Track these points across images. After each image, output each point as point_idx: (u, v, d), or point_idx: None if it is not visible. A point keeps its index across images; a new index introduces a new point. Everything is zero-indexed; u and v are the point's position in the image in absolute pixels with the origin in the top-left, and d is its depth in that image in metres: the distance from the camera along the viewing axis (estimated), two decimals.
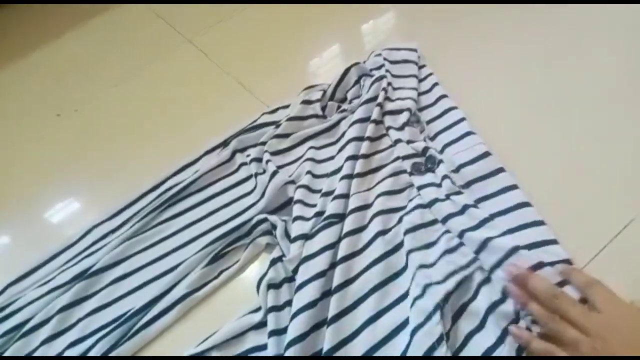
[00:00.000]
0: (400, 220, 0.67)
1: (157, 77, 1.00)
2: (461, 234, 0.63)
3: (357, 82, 0.86)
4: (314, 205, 0.71)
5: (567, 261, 0.59)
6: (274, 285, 0.64)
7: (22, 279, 0.72)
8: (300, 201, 0.71)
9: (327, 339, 0.57)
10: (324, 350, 0.56)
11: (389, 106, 0.80)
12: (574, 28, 0.89)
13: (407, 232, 0.65)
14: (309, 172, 0.75)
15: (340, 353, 0.57)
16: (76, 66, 1.06)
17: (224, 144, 0.82)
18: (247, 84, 0.94)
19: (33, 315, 0.67)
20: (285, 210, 0.73)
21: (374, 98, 0.80)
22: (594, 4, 0.90)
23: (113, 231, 0.75)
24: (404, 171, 0.72)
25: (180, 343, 0.63)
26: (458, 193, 0.67)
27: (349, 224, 0.66)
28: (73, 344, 0.64)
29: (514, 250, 0.58)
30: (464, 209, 0.65)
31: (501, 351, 0.55)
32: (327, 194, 0.71)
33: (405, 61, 0.87)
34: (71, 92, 1.01)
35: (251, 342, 0.61)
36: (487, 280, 0.60)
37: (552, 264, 0.58)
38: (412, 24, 1.00)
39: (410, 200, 0.69)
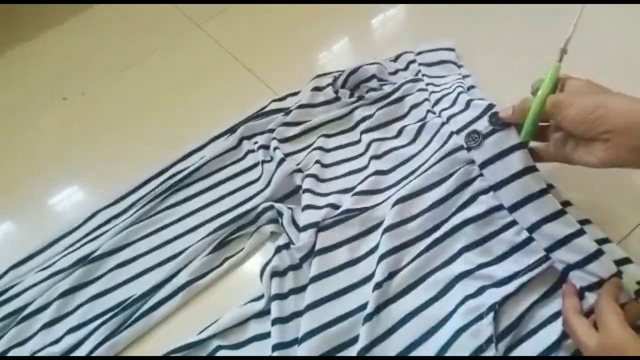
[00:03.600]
0: (458, 209, 0.61)
1: (165, 61, 0.99)
2: (533, 228, 0.56)
3: (373, 78, 0.82)
4: (324, 195, 0.69)
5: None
6: (278, 273, 0.62)
7: (24, 262, 0.71)
8: (309, 190, 0.68)
9: (362, 335, 0.54)
10: (359, 347, 0.54)
11: (435, 96, 0.74)
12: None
13: (465, 223, 0.59)
14: (317, 161, 0.73)
15: (377, 350, 0.54)
16: (84, 50, 1.05)
17: (231, 130, 0.81)
18: (256, 71, 0.92)
19: (33, 299, 0.66)
20: (291, 198, 0.71)
21: (401, 98, 0.77)
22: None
23: (116, 216, 0.74)
24: (460, 148, 0.62)
25: (182, 331, 0.61)
26: (533, 170, 0.56)
27: (392, 216, 0.61)
28: (73, 330, 0.63)
29: (598, 253, 0.53)
30: (540, 193, 0.56)
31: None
32: (346, 190, 0.69)
33: (443, 62, 0.82)
34: (78, 76, 0.99)
35: (253, 331, 0.60)
36: (558, 284, 0.56)
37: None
38: (423, 17, 0.97)
39: (470, 181, 0.61)
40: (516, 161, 0.56)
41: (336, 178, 0.72)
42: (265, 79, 0.91)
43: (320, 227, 0.63)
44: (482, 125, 0.59)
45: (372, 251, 0.62)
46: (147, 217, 0.72)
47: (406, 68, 0.84)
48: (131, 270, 0.68)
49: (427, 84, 0.78)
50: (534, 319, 0.55)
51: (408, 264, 0.59)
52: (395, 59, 0.86)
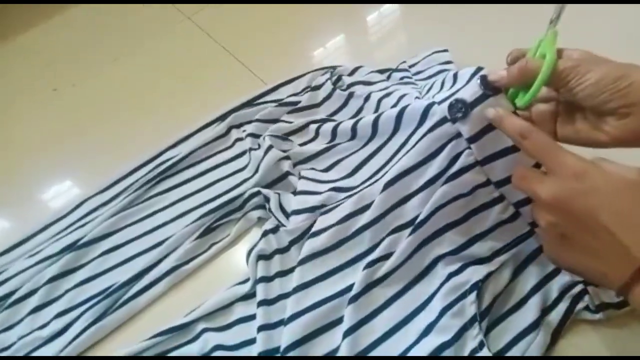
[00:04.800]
0: (443, 184, 0.55)
1: (156, 53, 0.99)
2: (520, 203, 0.55)
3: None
4: (326, 182, 0.68)
5: None
6: (265, 257, 0.62)
7: (12, 249, 0.71)
8: (307, 178, 0.68)
9: (347, 316, 0.55)
10: (344, 328, 0.54)
11: (426, 87, 0.71)
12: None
13: (449, 201, 0.56)
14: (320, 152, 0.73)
15: (362, 330, 0.54)
16: (75, 41, 1.05)
17: (221, 119, 0.81)
18: (247, 62, 0.93)
19: (21, 285, 0.67)
20: (278, 185, 0.71)
21: (389, 93, 0.74)
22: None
23: (104, 204, 0.74)
24: (445, 120, 0.54)
25: (167, 315, 0.61)
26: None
27: (382, 202, 0.59)
28: (60, 314, 0.63)
29: None
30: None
31: (534, 338, 0.52)
32: (348, 174, 0.68)
33: (440, 72, 0.79)
34: (69, 67, 1.00)
35: (239, 313, 0.60)
36: (534, 256, 0.56)
37: None
38: (418, 15, 0.97)
39: (457, 156, 0.54)
40: None
41: (337, 163, 0.71)
42: (256, 72, 0.91)
43: (323, 211, 0.63)
44: (468, 92, 0.51)
45: (361, 230, 0.60)
46: (135, 204, 0.73)
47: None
48: (119, 257, 0.68)
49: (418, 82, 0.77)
50: (514, 296, 0.55)
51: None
52: (388, 77, 0.83)
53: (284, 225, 0.65)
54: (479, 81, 0.51)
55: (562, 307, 0.53)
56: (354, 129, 0.69)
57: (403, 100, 0.69)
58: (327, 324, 0.56)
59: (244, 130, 0.79)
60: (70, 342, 0.60)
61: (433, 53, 0.83)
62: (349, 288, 0.57)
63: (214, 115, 0.82)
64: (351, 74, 0.83)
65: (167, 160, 0.76)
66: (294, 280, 0.59)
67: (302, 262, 0.60)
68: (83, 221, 0.73)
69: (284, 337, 0.55)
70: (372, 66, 0.84)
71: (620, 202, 0.39)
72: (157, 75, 0.95)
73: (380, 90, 0.76)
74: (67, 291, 0.66)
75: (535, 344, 0.52)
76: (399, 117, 0.62)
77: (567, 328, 0.53)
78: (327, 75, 0.82)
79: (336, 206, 0.63)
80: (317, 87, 0.81)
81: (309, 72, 0.85)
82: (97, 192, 0.76)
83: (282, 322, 0.56)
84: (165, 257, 0.66)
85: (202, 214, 0.69)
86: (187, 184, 0.75)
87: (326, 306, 0.57)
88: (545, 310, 0.53)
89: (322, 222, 0.62)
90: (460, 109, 0.51)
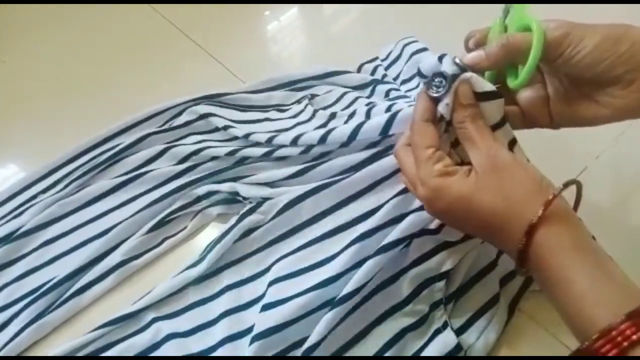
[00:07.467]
0: None
1: (98, 28, 0.93)
2: None
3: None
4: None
5: None
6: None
7: None
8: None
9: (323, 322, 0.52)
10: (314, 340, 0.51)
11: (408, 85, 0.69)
12: None
13: None
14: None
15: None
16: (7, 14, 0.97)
17: (177, 109, 0.75)
18: (198, 40, 0.89)
19: None
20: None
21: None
22: None
23: (44, 191, 0.68)
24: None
25: (115, 311, 0.57)
26: (503, 124, 0.46)
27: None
28: None
29: None
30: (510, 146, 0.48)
31: (493, 314, 0.53)
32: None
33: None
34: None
35: (192, 299, 0.58)
36: None
37: None
38: None
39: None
40: (492, 113, 0.45)
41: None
42: (209, 50, 0.87)
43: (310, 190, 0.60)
44: (447, 66, 0.46)
45: (342, 227, 0.58)
46: (77, 191, 0.67)
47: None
48: (61, 247, 0.64)
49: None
50: (473, 269, 0.56)
51: None
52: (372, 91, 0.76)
53: (268, 199, 0.62)
54: (455, 61, 0.46)
55: (519, 278, 0.55)
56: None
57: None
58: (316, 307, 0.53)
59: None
60: (8, 342, 0.56)
61: (404, 46, 0.74)
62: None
63: (170, 104, 0.75)
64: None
65: (116, 146, 0.71)
66: (276, 271, 0.57)
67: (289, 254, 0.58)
68: (19, 210, 0.67)
69: (264, 321, 0.52)
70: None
71: (488, 196, 0.40)
72: (100, 52, 0.89)
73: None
74: (4, 286, 0.61)
75: (495, 320, 0.53)
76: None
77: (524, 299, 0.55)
78: (306, 101, 0.75)
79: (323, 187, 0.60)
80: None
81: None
82: (36, 179, 0.70)
83: (253, 302, 0.56)
84: (113, 248, 0.63)
85: (152, 200, 0.65)
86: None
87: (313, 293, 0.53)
88: (503, 282, 0.55)
89: (314, 206, 0.60)
90: (440, 83, 0.45)
